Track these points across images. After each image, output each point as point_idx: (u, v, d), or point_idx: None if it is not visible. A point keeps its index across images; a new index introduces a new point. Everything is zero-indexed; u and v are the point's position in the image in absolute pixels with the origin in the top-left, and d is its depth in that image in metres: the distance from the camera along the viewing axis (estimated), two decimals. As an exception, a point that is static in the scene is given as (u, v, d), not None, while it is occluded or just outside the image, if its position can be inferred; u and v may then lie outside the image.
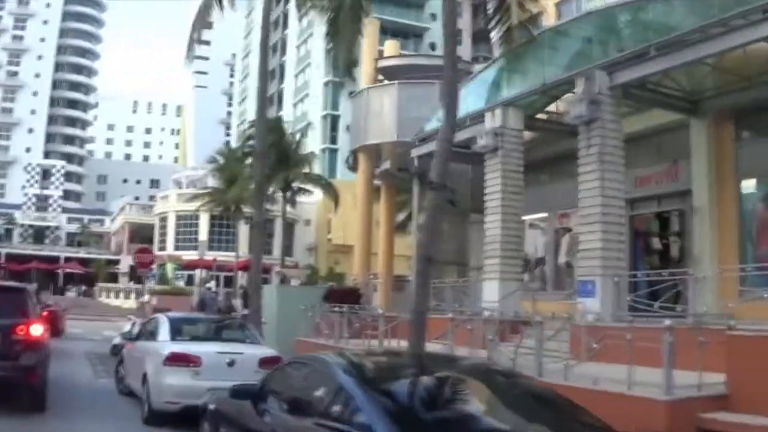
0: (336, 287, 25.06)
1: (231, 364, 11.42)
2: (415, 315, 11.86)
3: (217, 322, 15.47)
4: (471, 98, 20.11)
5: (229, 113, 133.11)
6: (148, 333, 13.72)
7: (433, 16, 73.98)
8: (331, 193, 41.07)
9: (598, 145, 14.88)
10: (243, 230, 61.57)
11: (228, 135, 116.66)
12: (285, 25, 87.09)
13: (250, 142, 41.10)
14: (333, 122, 77.27)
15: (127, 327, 23.02)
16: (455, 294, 21.02)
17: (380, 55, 31.22)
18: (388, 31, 60.01)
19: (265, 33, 20.01)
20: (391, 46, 35.15)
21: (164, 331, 12.68)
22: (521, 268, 18.82)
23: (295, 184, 40.99)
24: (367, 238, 28.59)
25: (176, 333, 12.66)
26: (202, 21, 20.19)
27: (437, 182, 12.00)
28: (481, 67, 24.02)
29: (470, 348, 12.72)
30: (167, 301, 42.76)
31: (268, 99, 18.70)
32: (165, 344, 12.11)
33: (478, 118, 19.06)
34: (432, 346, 13.12)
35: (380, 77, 29.56)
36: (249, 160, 42.39)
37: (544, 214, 22.34)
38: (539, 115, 19.89)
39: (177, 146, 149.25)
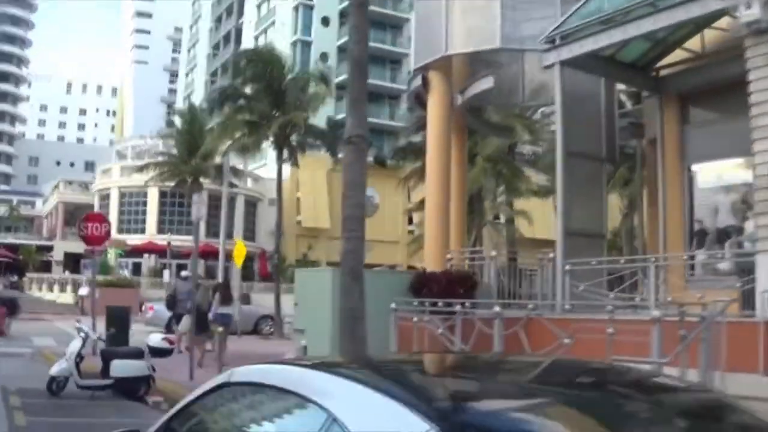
0: (431, 272, 15.15)
1: None
2: None
3: None
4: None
5: (172, 91, 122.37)
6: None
7: None
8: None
9: None
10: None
11: (170, 114, 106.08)
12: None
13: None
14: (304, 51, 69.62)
15: (75, 344, 12.88)
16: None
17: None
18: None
19: None
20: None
21: None
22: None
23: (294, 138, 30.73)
24: (445, 200, 18.05)
25: None
26: None
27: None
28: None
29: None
30: (112, 294, 33.60)
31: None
32: None
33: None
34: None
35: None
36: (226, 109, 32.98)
37: (739, 160, 14.31)
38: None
39: (113, 128, 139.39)
